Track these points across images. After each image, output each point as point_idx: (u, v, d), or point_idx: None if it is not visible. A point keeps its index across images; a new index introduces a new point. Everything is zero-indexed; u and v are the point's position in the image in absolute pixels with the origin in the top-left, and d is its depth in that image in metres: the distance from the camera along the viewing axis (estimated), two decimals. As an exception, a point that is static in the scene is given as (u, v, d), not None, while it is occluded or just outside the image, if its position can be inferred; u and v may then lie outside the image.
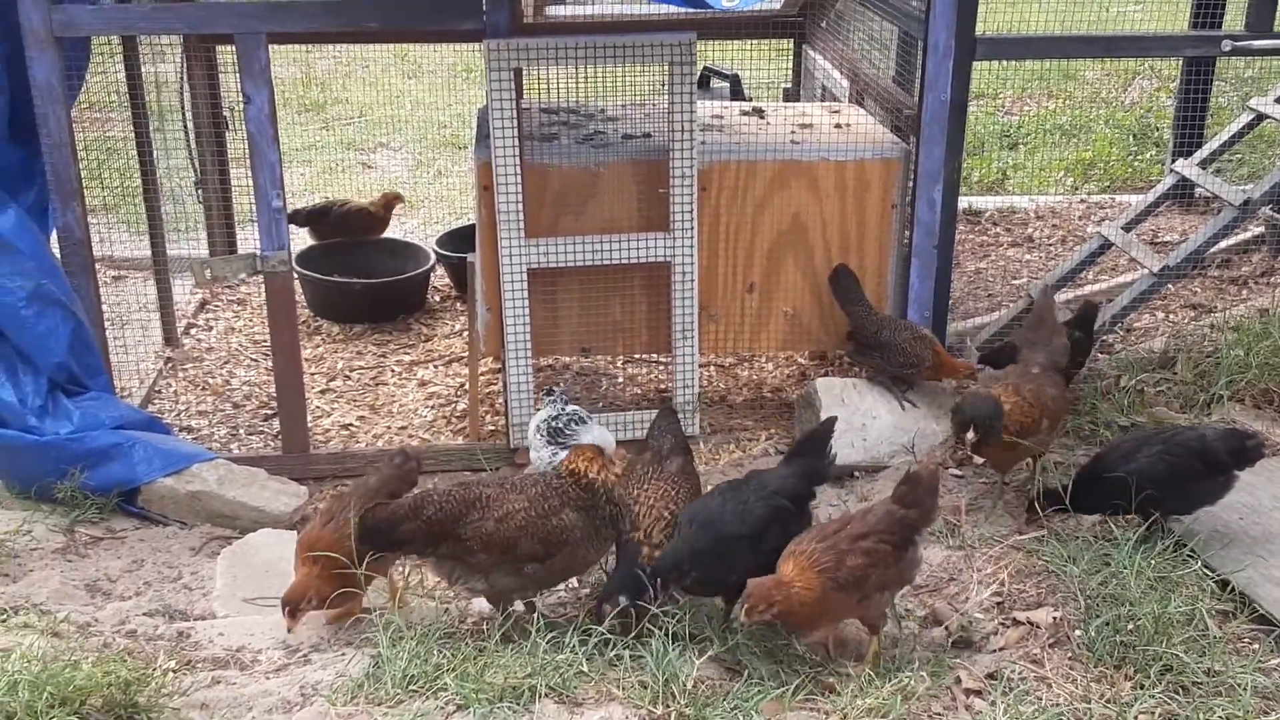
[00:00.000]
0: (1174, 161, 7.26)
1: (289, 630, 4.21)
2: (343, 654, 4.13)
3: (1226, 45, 5.77)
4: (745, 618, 3.82)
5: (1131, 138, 10.81)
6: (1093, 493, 4.75)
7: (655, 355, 6.60)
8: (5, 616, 4.26)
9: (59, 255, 5.27)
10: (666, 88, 5.42)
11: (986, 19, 5.82)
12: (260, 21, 5.21)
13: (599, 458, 4.24)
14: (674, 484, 4.61)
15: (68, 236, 5.27)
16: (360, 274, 7.53)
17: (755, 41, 7.90)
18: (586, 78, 5.92)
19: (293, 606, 4.18)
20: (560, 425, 5.17)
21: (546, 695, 3.65)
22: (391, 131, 12.17)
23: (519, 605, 4.34)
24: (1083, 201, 9.38)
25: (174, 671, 3.94)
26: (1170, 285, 6.88)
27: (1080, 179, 10.14)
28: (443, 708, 3.56)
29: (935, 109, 5.54)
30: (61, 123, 5.10)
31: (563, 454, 5.01)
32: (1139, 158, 10.42)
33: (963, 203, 9.09)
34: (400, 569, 4.62)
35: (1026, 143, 11.14)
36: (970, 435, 4.84)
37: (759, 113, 6.37)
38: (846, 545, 3.94)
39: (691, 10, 5.26)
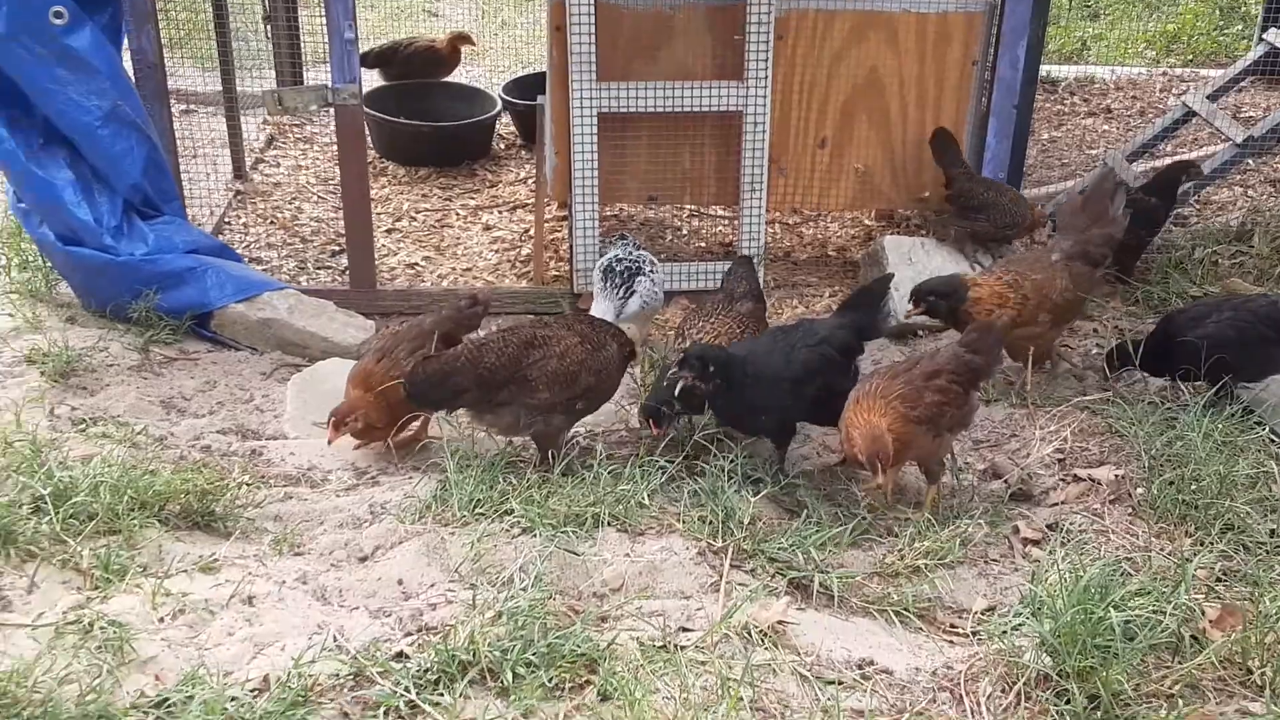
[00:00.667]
0: (1264, 32, 7.00)
1: (329, 442, 4.30)
2: (409, 478, 4.23)
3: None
4: (881, 476, 3.80)
5: (1218, 11, 10.43)
6: (1162, 356, 4.71)
7: (720, 208, 6.56)
8: (85, 426, 4.38)
9: (133, 78, 5.26)
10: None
11: None
12: None
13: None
14: (741, 324, 4.64)
15: (141, 59, 5.26)
16: (427, 118, 7.48)
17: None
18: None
19: (338, 419, 4.28)
20: (619, 269, 5.19)
21: (609, 524, 3.72)
22: (457, -22, 11.97)
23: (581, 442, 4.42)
24: (1164, 74, 9.10)
25: (248, 485, 4.06)
26: (1250, 160, 6.70)
27: (1162, 52, 9.83)
28: (508, 530, 3.64)
29: (1025, -40, 5.36)
30: (138, -58, 5.06)
31: (632, 304, 5.07)
32: (1225, 32, 10.06)
33: (1040, 70, 8.85)
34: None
35: (1108, 13, 10.78)
36: (909, 305, 4.74)
37: (840, -39, 6.19)
38: (921, 382, 3.96)
39: None
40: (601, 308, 5.16)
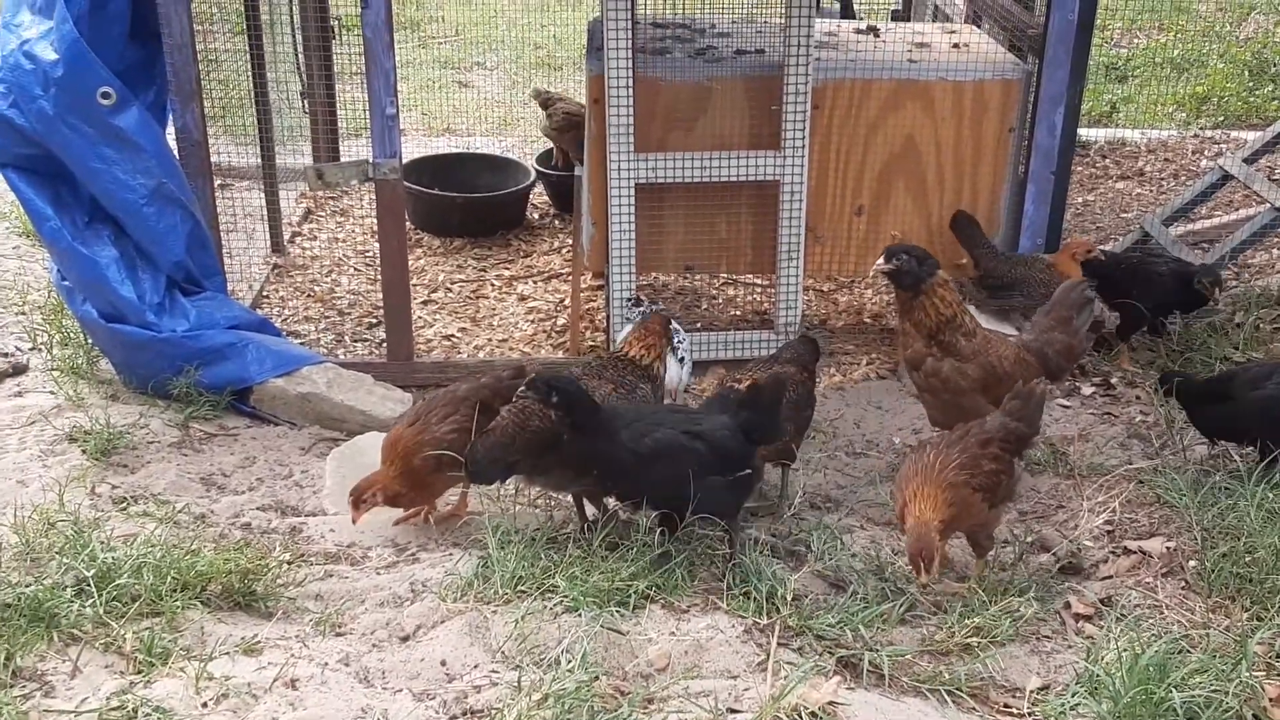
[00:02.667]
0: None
1: (353, 521, 4.28)
2: (450, 554, 4.19)
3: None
4: (924, 576, 3.73)
5: (1247, 73, 10.43)
6: (1212, 415, 4.65)
7: (754, 277, 6.55)
8: (126, 504, 4.39)
9: (176, 155, 5.33)
10: (784, 3, 5.31)
11: None
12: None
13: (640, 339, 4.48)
14: (798, 373, 4.63)
15: (186, 137, 5.33)
16: (461, 189, 7.54)
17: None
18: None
19: (356, 498, 4.26)
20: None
21: (653, 601, 3.68)
22: (486, 51, 12.14)
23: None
24: (1196, 136, 9.09)
25: (289, 563, 4.04)
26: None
27: (1193, 114, 9.82)
28: (552, 608, 3.60)
29: (1061, 28, 5.38)
30: (184, 24, 5.14)
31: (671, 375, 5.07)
32: (1255, 93, 10.05)
33: (1072, 135, 8.87)
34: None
35: (1136, 75, 10.80)
36: (881, 262, 4.60)
37: (874, 31, 6.23)
38: (978, 449, 3.91)
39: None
40: None
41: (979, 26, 6.39)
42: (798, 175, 5.57)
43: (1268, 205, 6.20)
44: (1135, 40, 11.82)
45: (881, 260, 4.57)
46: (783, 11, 5.36)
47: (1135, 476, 4.67)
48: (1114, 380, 5.63)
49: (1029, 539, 4.38)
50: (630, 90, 5.36)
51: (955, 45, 5.95)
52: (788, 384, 4.32)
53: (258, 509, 4.51)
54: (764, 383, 4.18)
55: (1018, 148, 5.72)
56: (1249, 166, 6.57)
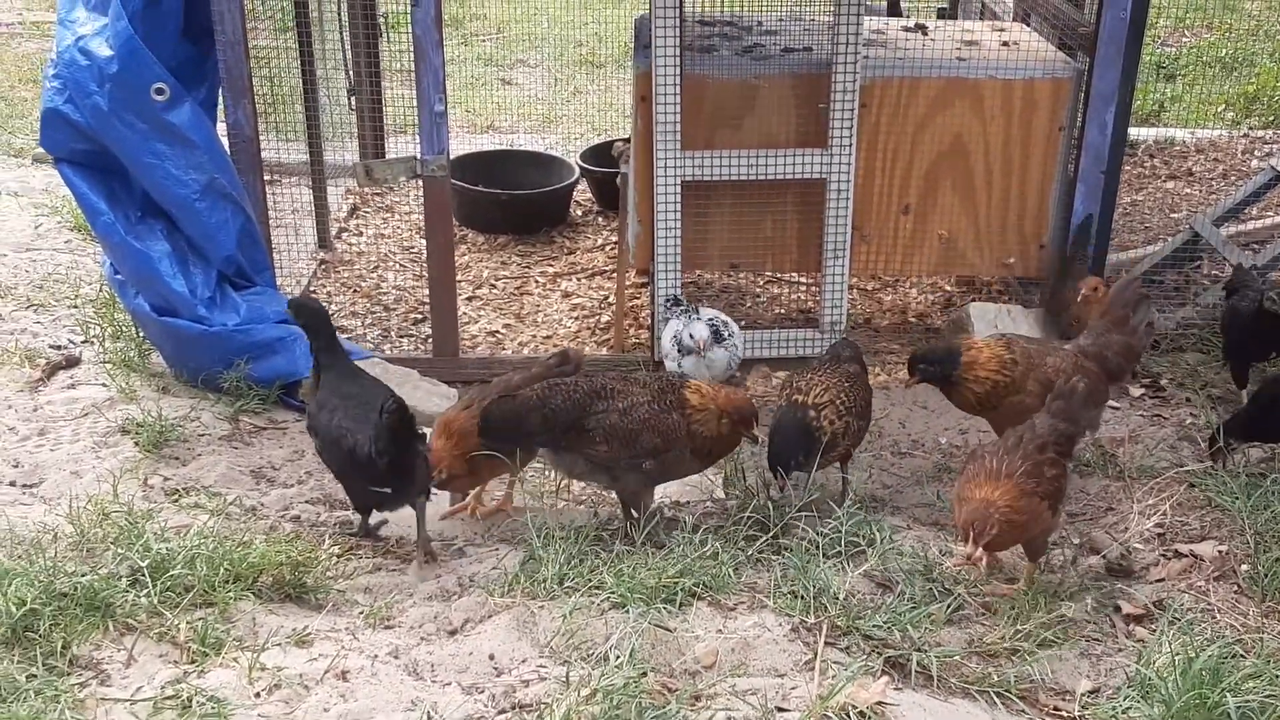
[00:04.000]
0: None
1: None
2: (496, 549, 4.22)
3: None
4: (972, 547, 3.71)
5: (1298, 72, 10.29)
6: (1265, 422, 4.60)
7: (798, 275, 6.53)
8: (178, 496, 4.44)
9: (228, 151, 5.38)
10: (833, 1, 5.29)
11: None
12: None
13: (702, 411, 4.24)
14: (848, 380, 4.56)
15: (237, 133, 5.38)
16: (506, 186, 7.57)
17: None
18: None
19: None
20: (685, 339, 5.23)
21: (700, 598, 3.68)
22: (529, 49, 12.17)
23: (667, 511, 4.38)
24: (1245, 136, 8.98)
25: (339, 556, 4.07)
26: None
27: (1242, 113, 9.70)
28: (599, 605, 3.60)
29: (1114, 27, 5.33)
30: (236, 21, 5.19)
31: (717, 357, 5.10)
32: (1308, 93, 9.91)
33: (1120, 134, 8.78)
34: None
35: (1184, 74, 10.68)
36: (907, 376, 4.68)
37: (922, 29, 6.20)
38: (1038, 456, 3.88)
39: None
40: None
41: (1028, 24, 6.33)
42: (845, 173, 5.55)
43: (1322, 206, 6.11)
44: (1183, 39, 11.70)
45: (908, 375, 4.65)
46: (831, 9, 5.34)
47: (1186, 479, 4.61)
48: (1164, 382, 5.57)
49: (1078, 541, 4.35)
50: (677, 88, 5.36)
51: (1004, 43, 5.91)
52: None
53: (307, 502, 4.56)
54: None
55: (1067, 146, 5.68)
56: (1302, 167, 6.47)
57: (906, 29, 6.23)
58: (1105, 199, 5.64)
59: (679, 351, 5.34)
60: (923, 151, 5.70)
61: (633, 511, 4.30)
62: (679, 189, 5.52)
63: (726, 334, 5.38)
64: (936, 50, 5.79)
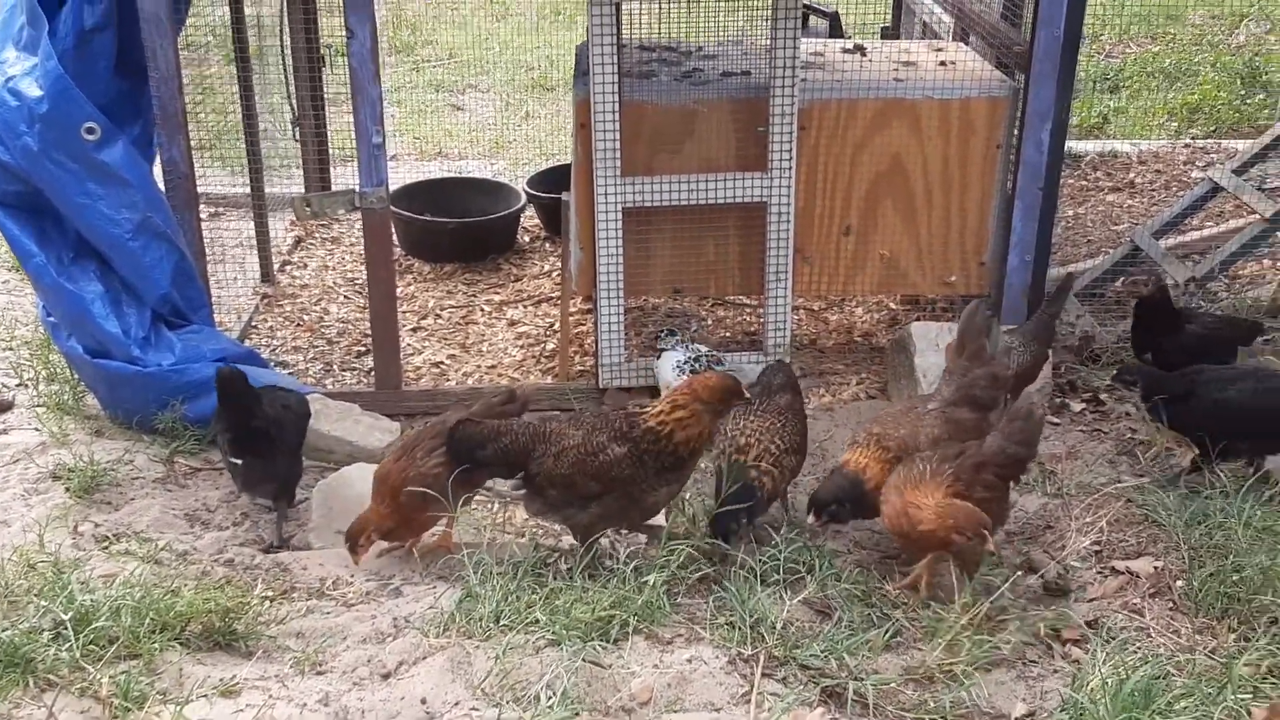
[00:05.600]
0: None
1: (355, 564, 4.30)
2: (433, 588, 4.17)
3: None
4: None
5: (1239, 81, 10.42)
6: (1181, 413, 4.68)
7: (743, 298, 6.54)
8: (108, 543, 4.37)
9: (163, 188, 5.33)
10: (770, 23, 5.30)
11: None
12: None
13: (689, 413, 4.11)
14: (781, 416, 4.56)
15: (172, 170, 5.33)
16: (451, 213, 7.55)
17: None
18: (684, 15, 5.84)
19: (351, 543, 4.28)
20: (701, 369, 5.20)
21: (636, 632, 3.65)
22: (480, 73, 12.17)
23: (603, 542, 4.35)
24: (1187, 146, 9.08)
25: (270, 600, 4.02)
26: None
27: (1184, 123, 9.81)
28: (534, 642, 3.57)
29: (1048, 45, 5.35)
30: (169, 56, 5.14)
31: None
32: (1247, 102, 10.04)
33: (1063, 147, 8.85)
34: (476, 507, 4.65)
35: (1128, 86, 10.79)
36: (810, 519, 4.32)
37: (860, 50, 6.22)
38: (971, 474, 3.88)
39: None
40: None
41: (966, 43, 6.37)
42: (785, 196, 5.56)
43: (1257, 217, 6.17)
44: (1127, 50, 11.83)
45: (812, 518, 4.32)
46: (768, 33, 5.35)
47: (1123, 495, 4.63)
48: (1103, 396, 5.60)
49: (1018, 561, 4.36)
50: (616, 114, 5.35)
51: (942, 63, 5.94)
52: None
53: (241, 545, 4.50)
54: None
55: (1005, 164, 5.70)
56: (1238, 178, 6.55)
57: (845, 50, 6.25)
58: (1043, 216, 5.67)
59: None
60: (862, 172, 5.72)
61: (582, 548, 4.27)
62: (620, 215, 5.51)
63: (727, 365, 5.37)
64: (874, 71, 5.81)
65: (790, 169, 5.50)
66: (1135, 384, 4.90)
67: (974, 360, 4.59)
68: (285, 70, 6.89)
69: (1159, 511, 4.41)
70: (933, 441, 4.23)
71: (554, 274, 7.17)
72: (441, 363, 6.25)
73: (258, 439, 4.59)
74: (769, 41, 5.34)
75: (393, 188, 7.61)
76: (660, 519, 4.48)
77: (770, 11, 5.25)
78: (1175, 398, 4.71)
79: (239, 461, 4.59)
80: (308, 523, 4.76)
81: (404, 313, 6.73)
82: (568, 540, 4.58)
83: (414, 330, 6.57)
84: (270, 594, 4.07)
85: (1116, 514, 4.54)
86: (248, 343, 6.20)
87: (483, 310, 6.81)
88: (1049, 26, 5.30)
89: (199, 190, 5.81)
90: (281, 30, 6.85)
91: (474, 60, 12.44)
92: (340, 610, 4.05)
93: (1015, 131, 5.62)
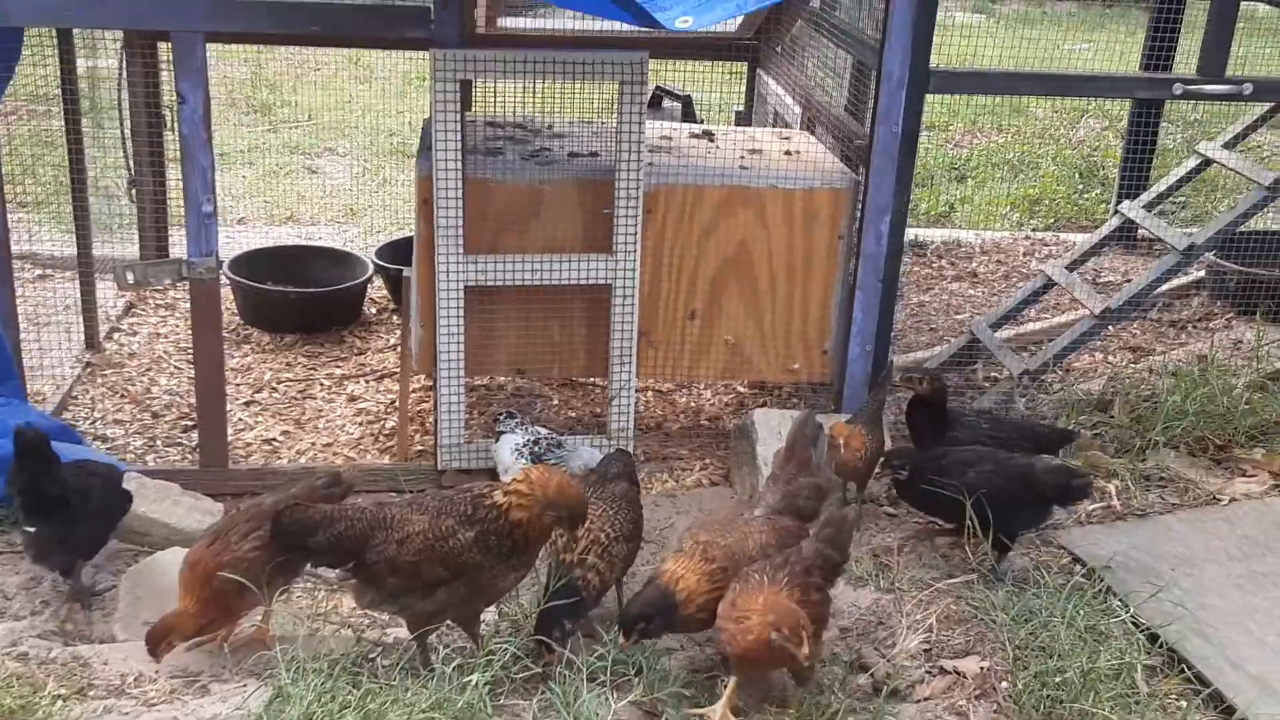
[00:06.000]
0: (1119, 203, 7.26)
1: (157, 663, 4.05)
2: (244, 685, 3.95)
3: (1178, 89, 5.77)
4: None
5: (1078, 175, 10.88)
6: (924, 491, 4.83)
7: (592, 379, 6.48)
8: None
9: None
10: (616, 107, 5.30)
11: (940, 50, 5.78)
12: (200, 19, 5.03)
13: (522, 494, 4.00)
14: (614, 504, 4.48)
15: (-18, 234, 5.06)
16: (296, 282, 7.36)
17: (710, 63, 7.81)
18: (535, 93, 5.81)
19: (152, 645, 4.02)
20: (541, 452, 5.06)
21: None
22: (339, 136, 11.98)
23: (432, 638, 4.19)
24: (1028, 238, 9.39)
25: (63, 699, 3.75)
26: (1110, 326, 6.86)
27: (1026, 215, 10.16)
28: (346, 748, 3.40)
29: (886, 141, 5.47)
30: (-20, 115, 4.89)
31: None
32: (1084, 196, 10.47)
33: (909, 234, 9.05)
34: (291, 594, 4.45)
35: (974, 176, 11.16)
36: (620, 639, 4.00)
37: (709, 136, 6.28)
38: (803, 579, 3.83)
39: (643, 29, 5.15)
40: None
41: (813, 133, 6.48)
42: (629, 279, 5.52)
43: (1088, 313, 6.36)
44: (975, 140, 12.26)
45: (622, 639, 4.01)
46: (616, 115, 5.34)
47: (953, 590, 4.66)
48: (941, 487, 5.65)
49: (849, 659, 4.33)
50: (459, 192, 5.26)
51: (788, 152, 6.02)
52: None
53: (38, 636, 4.20)
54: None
55: (848, 255, 5.78)
56: (1071, 273, 6.76)
57: (695, 135, 6.30)
58: (883, 307, 5.76)
59: (527, 462, 5.10)
60: (708, 257, 5.73)
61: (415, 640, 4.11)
62: (462, 294, 5.40)
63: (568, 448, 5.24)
64: (722, 158, 5.86)
65: (635, 252, 5.48)
66: (904, 469, 5.02)
67: (800, 469, 4.55)
68: (123, 129, 6.63)
69: (987, 608, 4.45)
70: (760, 550, 4.12)
71: (399, 348, 6.99)
72: (274, 439, 6.01)
73: (53, 504, 4.36)
74: (615, 124, 5.33)
75: (236, 254, 7.45)
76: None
77: (616, 95, 5.24)
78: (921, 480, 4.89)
79: (31, 530, 4.37)
80: (114, 612, 4.48)
81: (238, 385, 6.49)
82: (393, 633, 4.41)
83: (247, 404, 6.32)
84: (63, 692, 3.79)
85: (946, 610, 4.56)
86: (65, 415, 5.89)
87: (322, 384, 6.60)
88: (887, 122, 5.42)
89: (28, 250, 5.54)
90: (121, 87, 6.62)
91: (333, 123, 12.27)
92: (140, 710, 3.79)
93: (857, 223, 5.71)
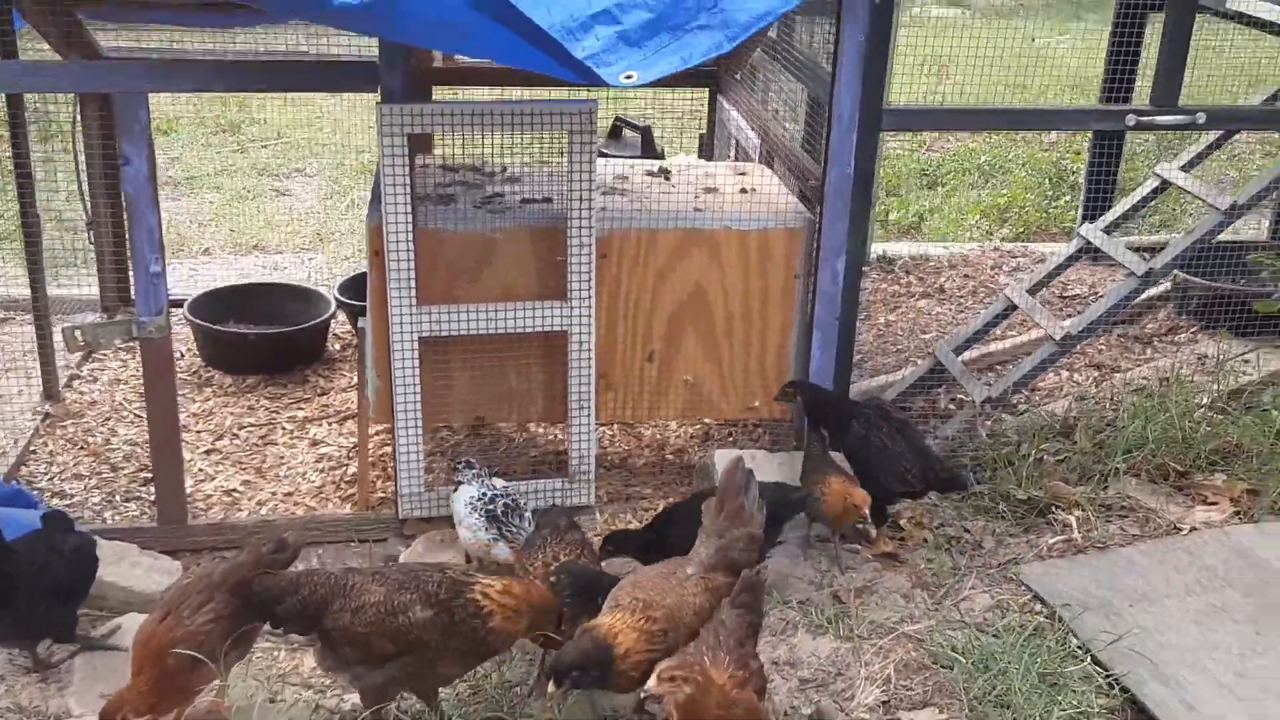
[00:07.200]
0: (1081, 225, 7.26)
1: None
2: (200, 761, 3.94)
3: (1131, 120, 5.76)
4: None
5: (1048, 181, 10.87)
6: (660, 550, 4.73)
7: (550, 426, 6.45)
8: None
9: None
10: (566, 156, 5.27)
11: (914, 48, 5.74)
12: (144, 81, 4.99)
13: (515, 606, 4.07)
14: (572, 551, 4.54)
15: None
16: (258, 321, 7.32)
17: (671, 89, 7.78)
18: (487, 141, 5.78)
19: None
20: (497, 512, 5.04)
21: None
22: (308, 155, 11.93)
23: (390, 707, 4.18)
24: (996, 249, 9.38)
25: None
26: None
27: (995, 223, 10.16)
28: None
29: (839, 182, 5.46)
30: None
31: (503, 548, 4.92)
32: (1054, 203, 10.47)
33: (877, 249, 9.07)
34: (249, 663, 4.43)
35: (945, 183, 11.16)
36: (550, 687, 3.83)
37: (665, 174, 6.26)
38: (738, 649, 3.82)
39: (586, 83, 5.13)
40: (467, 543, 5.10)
41: (771, 167, 6.46)
42: (585, 326, 5.50)
43: (1049, 339, 6.35)
44: (946, 145, 12.24)
45: (552, 687, 3.85)
46: (566, 164, 5.31)
47: (913, 636, 4.67)
48: (903, 521, 5.65)
49: (809, 712, 4.33)
50: (410, 244, 5.24)
51: (744, 190, 6.00)
52: None
53: (-8, 716, 4.19)
54: None
55: (805, 293, 5.77)
56: (1032, 297, 6.76)
57: (650, 173, 6.28)
58: (841, 345, 5.75)
59: (482, 518, 5.08)
60: (664, 300, 5.72)
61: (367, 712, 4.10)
62: (416, 344, 5.38)
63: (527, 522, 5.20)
64: (677, 199, 5.84)
65: (590, 298, 5.46)
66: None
67: (733, 520, 4.40)
68: (78, 170, 6.58)
69: (944, 657, 4.45)
70: (696, 614, 4.03)
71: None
72: (235, 490, 5.97)
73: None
74: (566, 173, 5.31)
75: (196, 294, 7.42)
76: None
77: (566, 144, 5.21)
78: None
79: None
80: (69, 685, 4.45)
81: (199, 433, 6.45)
82: (350, 699, 4.40)
83: (208, 453, 6.28)
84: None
85: (906, 657, 4.57)
86: (24, 470, 5.85)
87: (284, 429, 6.56)
88: (839, 164, 5.41)
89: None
90: (75, 134, 6.56)
91: (303, 140, 12.21)
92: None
93: (813, 261, 5.69)
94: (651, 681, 3.47)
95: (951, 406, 6.84)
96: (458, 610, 4.01)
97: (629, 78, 4.48)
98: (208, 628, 4.12)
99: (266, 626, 4.27)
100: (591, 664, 3.82)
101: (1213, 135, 6.78)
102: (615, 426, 6.66)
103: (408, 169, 5.16)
